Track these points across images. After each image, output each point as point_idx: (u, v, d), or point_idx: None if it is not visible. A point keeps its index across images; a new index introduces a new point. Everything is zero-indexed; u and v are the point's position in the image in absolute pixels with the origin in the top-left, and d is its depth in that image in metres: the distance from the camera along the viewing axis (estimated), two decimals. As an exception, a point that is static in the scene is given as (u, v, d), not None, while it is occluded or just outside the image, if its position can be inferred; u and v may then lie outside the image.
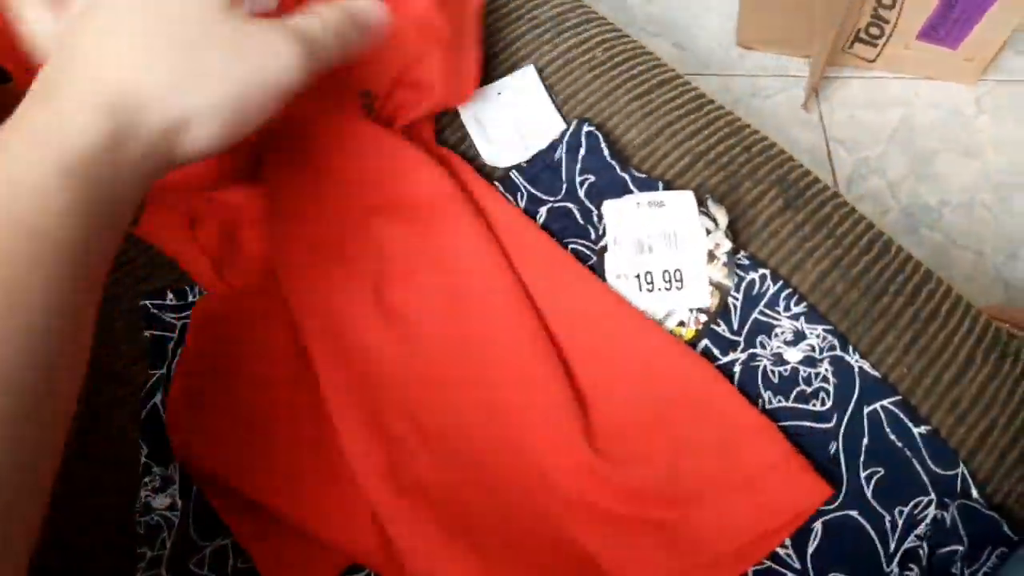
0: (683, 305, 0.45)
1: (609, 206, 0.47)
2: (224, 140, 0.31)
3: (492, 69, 0.55)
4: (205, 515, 0.41)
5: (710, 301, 0.45)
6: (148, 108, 0.28)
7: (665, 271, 0.45)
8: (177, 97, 0.29)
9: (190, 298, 0.45)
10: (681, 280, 0.45)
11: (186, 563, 0.40)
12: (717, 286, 0.46)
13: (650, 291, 0.45)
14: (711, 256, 0.46)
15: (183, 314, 0.45)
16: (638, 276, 0.46)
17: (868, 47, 1.17)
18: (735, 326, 0.46)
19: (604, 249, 0.47)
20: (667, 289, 0.45)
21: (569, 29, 0.57)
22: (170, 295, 0.45)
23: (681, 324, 0.45)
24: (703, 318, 0.45)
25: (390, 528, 0.39)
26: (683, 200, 0.46)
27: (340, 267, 0.45)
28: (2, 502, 0.24)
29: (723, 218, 0.47)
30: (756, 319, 0.46)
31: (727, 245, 0.46)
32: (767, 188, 0.51)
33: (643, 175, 0.49)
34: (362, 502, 0.40)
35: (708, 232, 0.46)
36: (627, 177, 0.48)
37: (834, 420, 0.44)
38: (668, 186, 0.50)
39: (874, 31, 1.15)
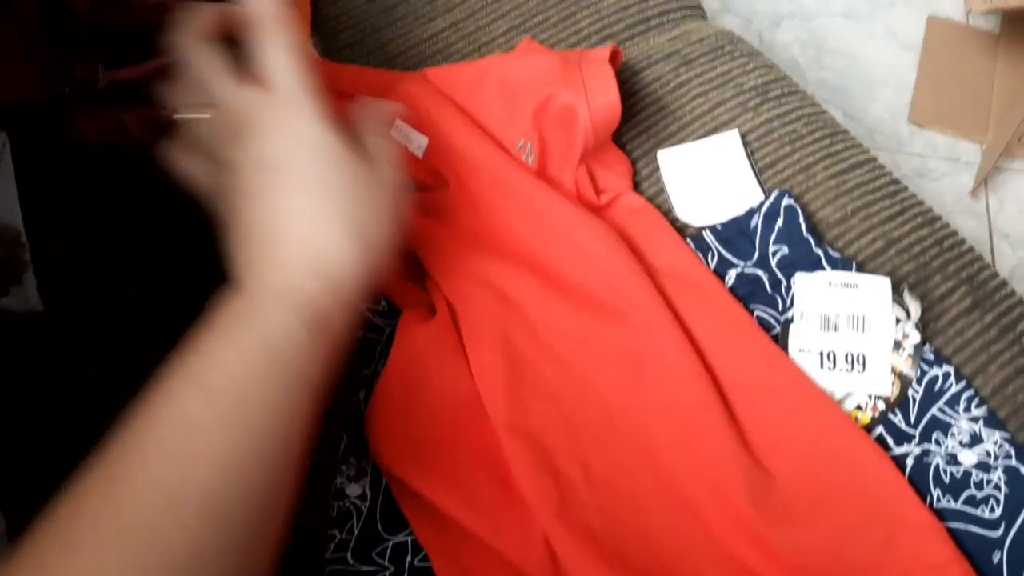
0: (863, 390, 0.46)
1: (801, 279, 0.49)
2: (396, 258, 0.40)
3: (694, 131, 0.57)
4: (391, 510, 0.44)
5: (891, 390, 0.46)
6: (349, 271, 0.37)
7: (848, 353, 0.47)
8: (365, 254, 0.37)
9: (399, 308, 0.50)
10: (864, 364, 0.46)
11: (370, 552, 0.43)
12: (899, 376, 0.47)
13: (831, 370, 0.47)
14: (897, 345, 0.47)
15: (391, 320, 0.49)
16: (821, 353, 0.47)
17: (1047, 142, 1.13)
18: (912, 419, 0.47)
19: (789, 322, 0.48)
20: (848, 371, 0.46)
21: (772, 99, 0.59)
22: (383, 302, 0.49)
23: (859, 408, 0.46)
24: (881, 405, 0.46)
25: (560, 553, 0.42)
26: (878, 285, 0.47)
27: (516, 314, 0.48)
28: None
29: (916, 310, 0.47)
30: (934, 415, 0.47)
31: (916, 337, 0.47)
32: (956, 285, 0.52)
33: (837, 254, 0.50)
34: (535, 525, 0.43)
35: (898, 321, 0.47)
36: (821, 254, 0.50)
37: (1002, 529, 0.44)
38: (860, 268, 0.51)
39: (1055, 127, 1.11)
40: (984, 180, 1.12)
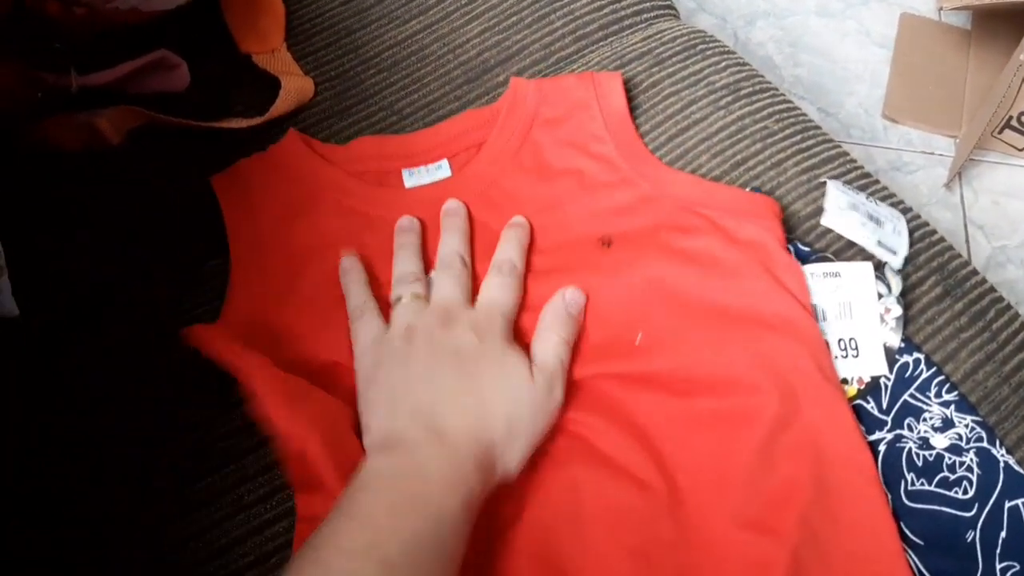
0: (860, 373, 0.48)
1: (779, 276, 0.50)
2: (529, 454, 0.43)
3: (666, 130, 0.57)
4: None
5: (886, 368, 0.47)
6: (499, 457, 0.41)
7: (840, 339, 0.48)
8: (513, 445, 0.42)
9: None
10: (857, 349, 0.47)
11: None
12: (886, 350, 0.48)
13: (827, 358, 0.48)
14: (880, 319, 0.48)
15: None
16: (813, 344, 0.48)
17: (1019, 135, 1.15)
18: (884, 405, 0.47)
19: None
20: (844, 357, 0.47)
21: (744, 96, 0.59)
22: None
23: (845, 381, 0.47)
24: (867, 378, 0.47)
25: None
26: (860, 270, 0.48)
27: None
28: None
29: (897, 284, 0.49)
30: (906, 401, 0.47)
31: (898, 310, 0.48)
32: (927, 274, 0.53)
33: (807, 248, 0.51)
34: None
35: (880, 296, 0.48)
36: (791, 250, 0.51)
37: (975, 510, 0.45)
38: (835, 257, 0.51)
39: (1027, 119, 1.13)
40: (958, 172, 1.14)
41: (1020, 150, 1.16)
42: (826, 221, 0.52)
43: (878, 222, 0.52)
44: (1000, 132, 1.15)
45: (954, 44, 1.26)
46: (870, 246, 0.51)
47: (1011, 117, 1.13)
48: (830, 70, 1.25)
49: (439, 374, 0.43)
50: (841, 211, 0.52)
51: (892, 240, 0.52)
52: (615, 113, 0.55)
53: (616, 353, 0.48)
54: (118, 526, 0.44)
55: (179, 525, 0.44)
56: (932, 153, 1.18)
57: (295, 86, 0.59)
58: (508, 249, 0.50)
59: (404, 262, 0.50)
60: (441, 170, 0.55)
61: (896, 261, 0.50)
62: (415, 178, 0.55)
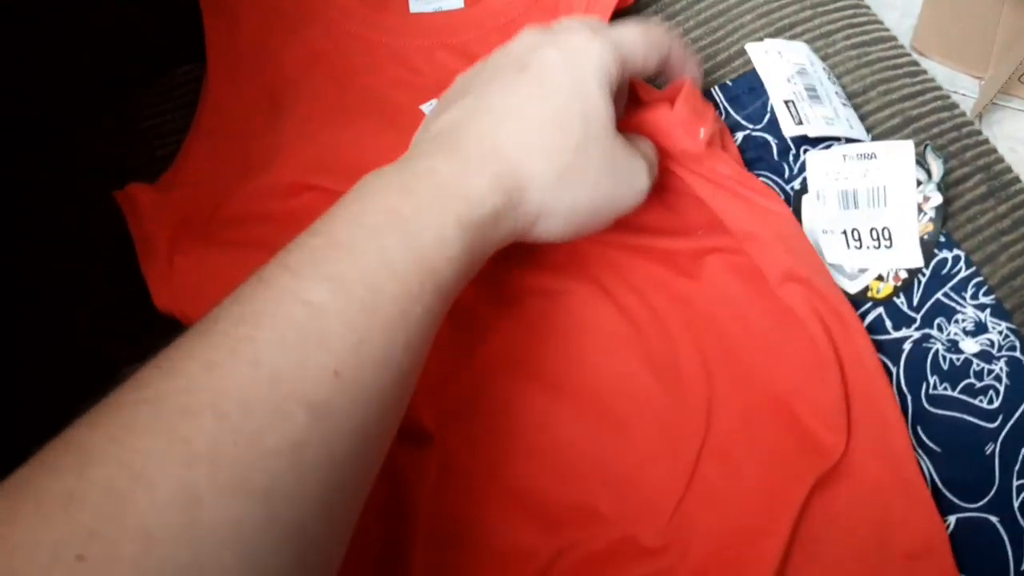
0: (894, 264, 0.43)
1: (814, 157, 0.44)
2: (566, 237, 0.35)
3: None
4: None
5: (922, 261, 0.42)
6: (529, 194, 0.32)
7: (872, 229, 0.43)
8: (552, 192, 0.33)
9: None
10: (890, 239, 0.42)
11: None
12: (923, 242, 0.43)
13: (858, 249, 0.43)
14: (919, 210, 0.43)
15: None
16: (844, 232, 0.43)
17: (1046, 83, 1.10)
18: (915, 302, 0.43)
19: (800, 193, 0.44)
20: (876, 248, 0.42)
21: (794, -37, 0.53)
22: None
23: (880, 279, 0.43)
24: (904, 274, 0.42)
25: None
26: (899, 151, 0.43)
27: None
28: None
29: (938, 169, 0.43)
30: (939, 300, 0.43)
31: (937, 198, 0.43)
32: (972, 171, 0.48)
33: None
34: None
35: (919, 183, 0.43)
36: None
37: (998, 421, 0.41)
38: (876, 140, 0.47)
39: (1057, 68, 1.08)
40: (979, 114, 1.09)
41: (1045, 99, 1.11)
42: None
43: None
44: (1027, 78, 1.10)
45: (992, -18, 1.20)
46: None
47: (1041, 63, 1.08)
48: (861, -7, 1.18)
49: (493, 89, 0.34)
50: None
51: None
52: None
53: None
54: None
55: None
56: (955, 92, 1.13)
57: None
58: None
59: None
60: (453, -4, 0.49)
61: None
62: (422, 3, 0.49)
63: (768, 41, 0.48)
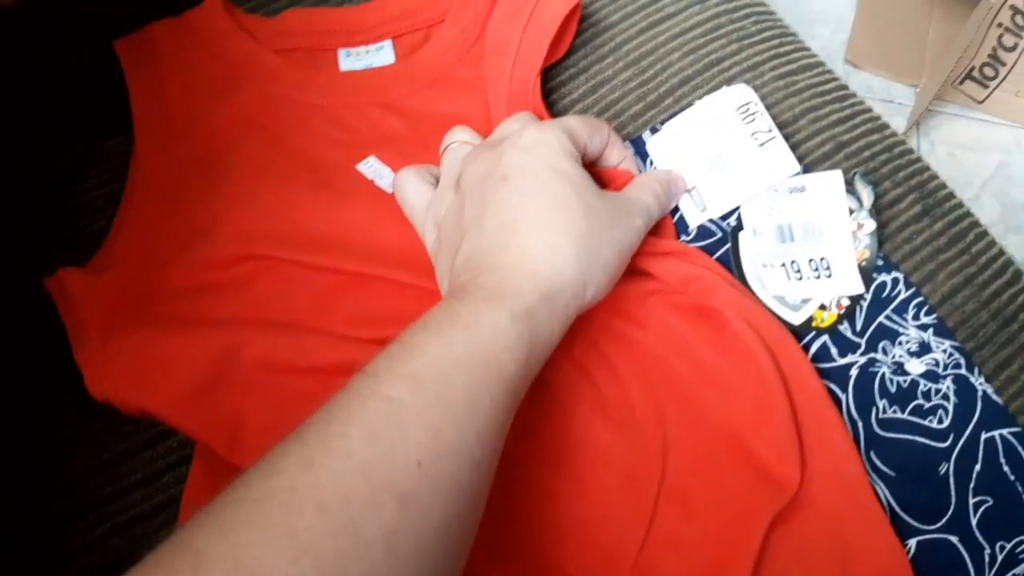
0: (836, 293, 0.43)
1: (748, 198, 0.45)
2: (609, 289, 0.39)
3: (636, 23, 0.52)
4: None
5: (863, 287, 0.43)
6: (569, 274, 0.36)
7: (811, 259, 0.43)
8: (587, 261, 0.36)
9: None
10: (829, 268, 0.43)
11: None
12: (861, 269, 0.43)
13: (799, 280, 0.43)
14: (854, 237, 0.44)
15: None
16: (784, 265, 0.43)
17: (979, 87, 1.13)
18: (858, 327, 0.44)
19: (736, 229, 0.45)
20: (816, 278, 0.43)
21: (720, -5, 0.54)
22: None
23: (823, 308, 0.43)
24: (846, 302, 0.43)
25: None
26: (829, 182, 0.43)
27: None
28: None
29: (868, 197, 0.44)
30: (882, 323, 0.44)
31: (871, 225, 0.43)
32: (906, 192, 0.49)
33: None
34: None
35: (851, 211, 0.44)
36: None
37: (949, 440, 0.42)
38: (807, 170, 0.47)
39: (988, 72, 1.11)
40: (916, 122, 1.11)
41: (979, 102, 1.14)
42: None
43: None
44: (961, 83, 1.13)
45: (919, -8, 1.23)
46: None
47: (973, 68, 1.11)
48: (795, 11, 1.21)
49: (490, 209, 0.37)
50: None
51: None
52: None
53: None
54: None
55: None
56: (891, 101, 1.16)
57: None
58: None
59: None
60: (383, 52, 0.49)
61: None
62: (352, 60, 0.49)
63: (666, 127, 0.48)
